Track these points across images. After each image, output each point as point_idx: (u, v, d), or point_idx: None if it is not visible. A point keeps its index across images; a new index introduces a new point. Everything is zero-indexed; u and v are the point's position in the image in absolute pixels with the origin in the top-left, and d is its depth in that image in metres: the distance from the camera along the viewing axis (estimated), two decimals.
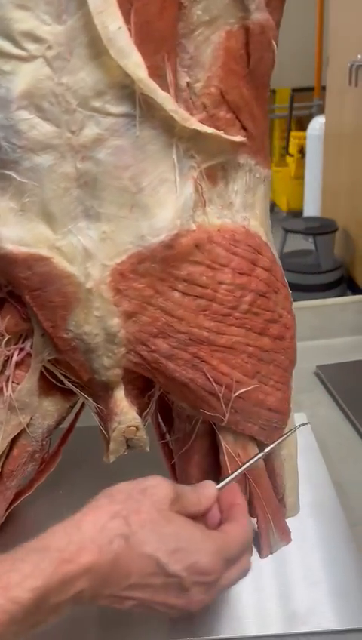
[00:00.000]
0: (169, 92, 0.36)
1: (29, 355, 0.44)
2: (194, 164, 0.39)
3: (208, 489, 0.39)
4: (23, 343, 0.44)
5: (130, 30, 0.33)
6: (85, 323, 0.40)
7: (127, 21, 0.32)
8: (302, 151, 3.40)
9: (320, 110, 3.09)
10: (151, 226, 0.38)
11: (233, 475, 0.43)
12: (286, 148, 3.58)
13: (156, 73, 0.35)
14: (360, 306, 0.94)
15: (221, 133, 0.39)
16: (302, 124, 3.53)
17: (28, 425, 0.47)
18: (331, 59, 2.63)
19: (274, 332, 0.46)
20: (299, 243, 2.79)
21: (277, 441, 0.47)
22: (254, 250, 0.43)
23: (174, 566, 0.33)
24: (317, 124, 3.04)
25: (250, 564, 0.38)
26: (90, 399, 0.47)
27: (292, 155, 3.53)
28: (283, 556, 0.54)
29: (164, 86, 0.35)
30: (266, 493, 0.52)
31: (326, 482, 0.64)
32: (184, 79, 0.37)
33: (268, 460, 0.54)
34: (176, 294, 0.40)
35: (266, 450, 0.47)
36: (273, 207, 3.96)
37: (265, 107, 0.43)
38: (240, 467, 0.44)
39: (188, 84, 0.37)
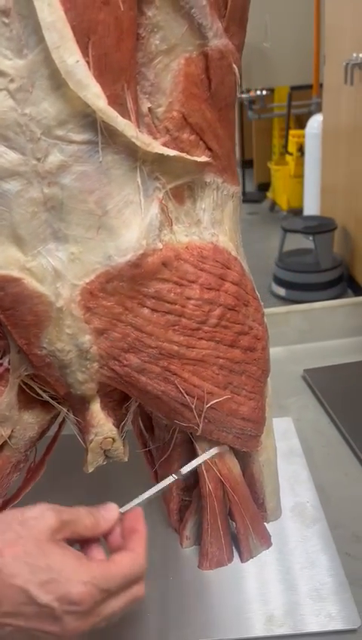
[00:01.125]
0: (130, 119, 0.37)
1: (7, 370, 0.46)
2: (159, 185, 0.40)
3: (109, 512, 0.39)
4: (1, 359, 0.45)
5: (88, 63, 0.34)
6: (58, 340, 0.42)
7: (85, 54, 0.34)
8: (301, 149, 3.40)
9: (319, 108, 3.09)
10: (117, 246, 0.39)
11: (137, 501, 0.42)
12: (285, 146, 3.58)
13: (116, 101, 0.36)
14: (348, 309, 0.95)
15: (184, 155, 0.40)
16: (302, 123, 3.53)
17: (10, 437, 0.49)
18: (327, 57, 2.63)
19: (244, 344, 0.47)
20: (299, 242, 2.80)
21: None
22: (222, 266, 0.45)
23: (45, 597, 0.33)
24: (316, 122, 3.04)
25: (140, 593, 0.38)
26: (69, 412, 0.48)
27: (291, 154, 3.53)
28: (264, 559, 0.56)
29: (125, 113, 0.37)
30: (243, 500, 0.54)
31: (308, 486, 0.65)
32: (146, 105, 0.39)
33: (246, 466, 0.56)
34: (146, 311, 0.42)
35: (179, 476, 0.47)
36: (273, 206, 3.96)
37: (230, 127, 0.44)
38: (148, 492, 0.43)
39: (149, 109, 0.39)
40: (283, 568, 0.55)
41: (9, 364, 0.45)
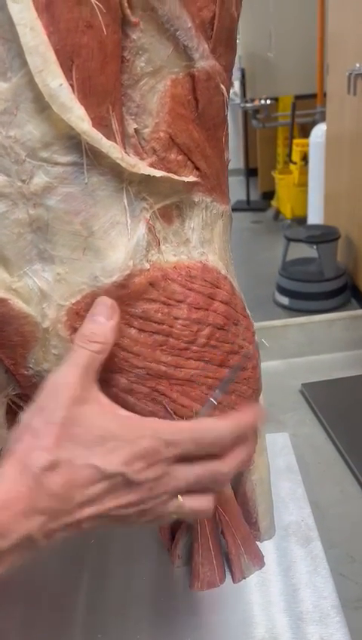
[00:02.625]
0: (115, 140, 0.37)
1: None
2: (146, 205, 0.40)
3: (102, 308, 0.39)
4: None
5: (72, 86, 0.34)
6: (44, 361, 0.41)
7: (69, 77, 0.34)
8: (305, 158, 3.41)
9: (323, 117, 3.10)
10: (103, 267, 0.39)
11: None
12: (289, 155, 3.58)
13: (101, 123, 0.36)
14: (346, 322, 0.94)
15: (172, 175, 0.40)
16: (306, 132, 3.54)
17: None
18: (331, 67, 2.64)
19: (234, 363, 0.46)
20: (302, 251, 2.80)
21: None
22: (211, 285, 0.44)
23: (111, 465, 0.32)
24: (320, 131, 3.05)
25: (222, 468, 0.36)
26: None
27: (295, 163, 3.54)
28: (256, 580, 0.55)
29: (110, 135, 0.36)
30: (235, 519, 0.53)
31: (303, 504, 0.64)
32: (132, 126, 0.38)
33: (238, 484, 0.55)
34: (133, 331, 0.42)
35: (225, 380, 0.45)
36: (277, 214, 3.96)
37: (219, 146, 0.44)
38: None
39: (136, 130, 0.39)
40: (276, 590, 0.54)
41: None
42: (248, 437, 0.39)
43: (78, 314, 0.40)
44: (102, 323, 0.38)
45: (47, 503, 0.31)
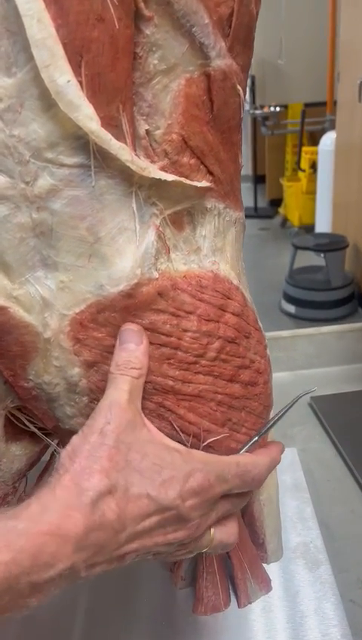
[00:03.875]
0: (125, 141, 0.35)
1: None
2: (156, 211, 0.38)
3: (130, 335, 0.38)
4: None
5: (80, 82, 0.32)
6: (45, 372, 0.39)
7: (78, 74, 0.32)
8: (314, 166, 3.39)
9: (333, 125, 3.08)
10: (109, 275, 0.37)
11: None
12: (298, 163, 3.57)
13: (111, 123, 0.34)
14: (357, 334, 0.92)
15: (184, 180, 0.38)
16: (315, 140, 3.52)
17: None
18: (342, 75, 2.62)
19: (245, 378, 0.44)
20: (310, 259, 2.77)
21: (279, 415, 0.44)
22: (223, 296, 0.42)
23: (166, 497, 0.31)
24: (329, 139, 3.03)
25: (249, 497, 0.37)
26: (58, 445, 0.46)
27: (304, 170, 3.52)
28: (262, 606, 0.53)
29: (120, 136, 0.34)
30: (242, 542, 0.51)
31: (312, 524, 0.62)
32: (143, 127, 0.36)
33: (246, 505, 0.53)
34: None
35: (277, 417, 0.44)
36: (285, 222, 3.94)
37: (233, 150, 0.42)
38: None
39: (147, 131, 0.36)
40: (282, 616, 0.51)
41: None
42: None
43: (82, 324, 0.38)
44: (134, 349, 0.37)
45: (99, 533, 0.29)
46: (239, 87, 0.39)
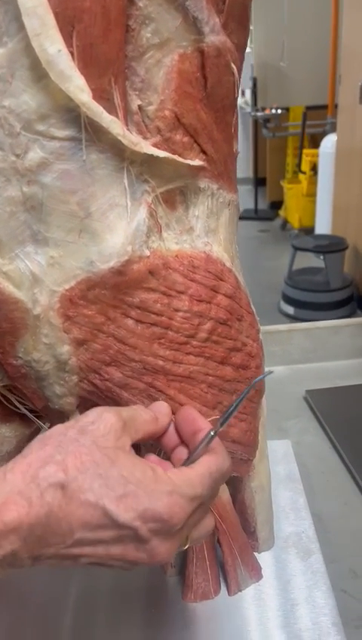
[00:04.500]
0: (117, 115, 0.34)
1: None
2: (148, 188, 0.38)
3: (161, 406, 0.36)
4: None
5: (72, 53, 0.32)
6: (34, 350, 0.39)
7: (69, 44, 0.32)
8: (314, 168, 3.39)
9: (334, 128, 3.08)
10: (100, 251, 0.37)
11: (203, 444, 0.36)
12: (298, 165, 3.57)
13: (102, 96, 0.34)
14: (353, 329, 0.91)
15: (176, 157, 0.37)
16: (316, 142, 3.53)
17: None
18: (343, 78, 2.63)
19: (236, 361, 0.44)
20: (309, 260, 2.77)
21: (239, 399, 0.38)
22: (215, 277, 0.42)
23: (125, 515, 0.28)
24: (330, 142, 3.03)
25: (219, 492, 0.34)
26: (47, 426, 0.45)
27: (304, 173, 3.53)
28: (252, 593, 0.52)
29: (112, 109, 0.34)
30: (232, 528, 0.50)
31: (305, 514, 0.61)
32: (135, 102, 0.36)
33: (237, 491, 0.52)
34: (129, 322, 0.39)
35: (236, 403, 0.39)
36: (285, 224, 3.94)
37: (227, 130, 0.41)
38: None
39: (139, 107, 0.36)
40: (274, 604, 0.51)
41: None
42: None
43: (72, 301, 0.38)
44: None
45: (42, 525, 0.28)
46: (233, 65, 0.38)
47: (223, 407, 0.44)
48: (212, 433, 0.35)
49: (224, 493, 0.50)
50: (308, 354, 0.91)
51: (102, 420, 0.32)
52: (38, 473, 0.29)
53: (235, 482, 0.51)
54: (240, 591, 0.52)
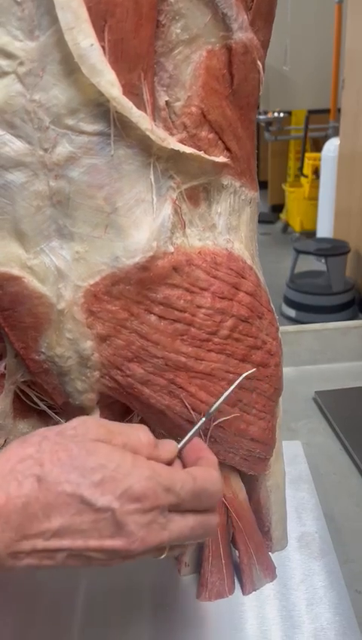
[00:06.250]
0: (145, 111, 0.35)
1: (2, 375, 0.43)
2: (173, 184, 0.38)
3: (169, 444, 0.35)
4: None
5: (103, 48, 0.32)
6: (57, 345, 0.39)
7: (101, 38, 0.32)
8: (316, 172, 3.40)
9: (336, 132, 3.09)
10: (125, 247, 0.37)
11: (194, 430, 0.37)
12: (300, 169, 3.58)
13: (132, 91, 0.34)
14: (361, 330, 0.92)
15: (201, 154, 0.38)
16: (318, 146, 3.54)
17: (2, 447, 0.46)
18: (346, 82, 2.63)
19: (257, 359, 0.44)
20: (311, 264, 2.77)
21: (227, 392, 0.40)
22: (237, 274, 0.42)
23: (102, 498, 0.28)
24: (332, 146, 3.04)
25: (212, 521, 0.33)
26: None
27: (306, 176, 3.53)
28: (267, 594, 0.52)
29: (140, 105, 0.34)
30: (248, 527, 0.50)
31: (317, 515, 0.61)
32: (163, 98, 0.36)
33: (252, 490, 0.52)
34: (152, 318, 0.39)
35: (226, 393, 0.40)
36: (286, 227, 3.95)
37: (250, 128, 0.41)
38: (199, 421, 0.38)
39: (167, 103, 0.36)
40: (288, 604, 0.51)
41: (5, 368, 0.43)
42: None
43: (96, 296, 0.38)
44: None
45: (19, 516, 0.28)
46: (259, 63, 0.38)
47: (243, 405, 0.44)
48: (203, 419, 0.37)
49: (241, 491, 0.50)
50: (317, 355, 0.91)
51: (84, 424, 0.32)
52: (15, 467, 0.29)
53: (251, 481, 0.51)
54: (255, 590, 0.52)
